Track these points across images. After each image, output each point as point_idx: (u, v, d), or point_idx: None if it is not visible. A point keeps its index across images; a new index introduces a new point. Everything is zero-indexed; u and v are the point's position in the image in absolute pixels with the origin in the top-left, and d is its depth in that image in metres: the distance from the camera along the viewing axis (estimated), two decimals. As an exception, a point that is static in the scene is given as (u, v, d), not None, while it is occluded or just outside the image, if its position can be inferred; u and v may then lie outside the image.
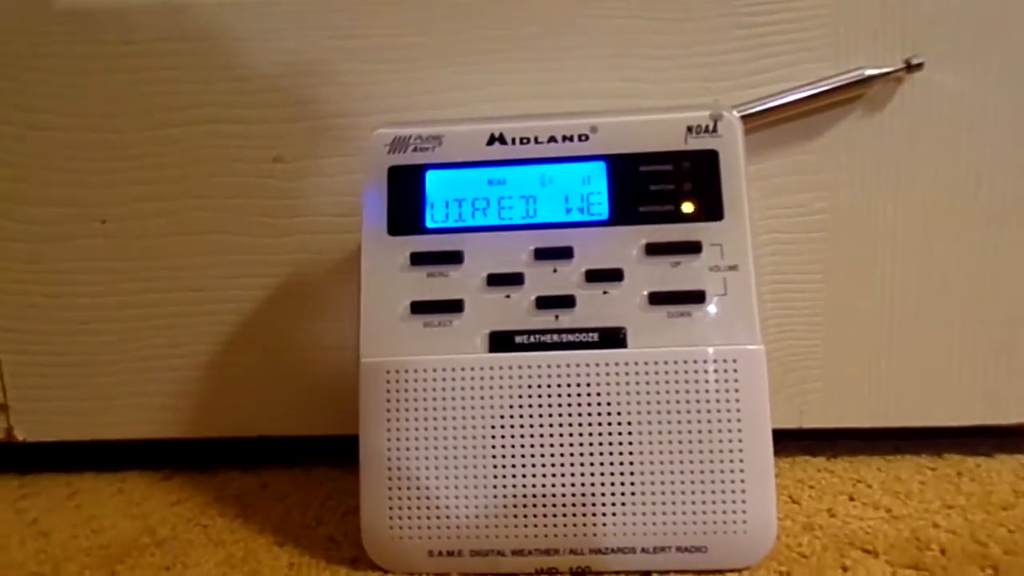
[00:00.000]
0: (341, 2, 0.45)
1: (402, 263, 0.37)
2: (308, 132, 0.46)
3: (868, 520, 0.39)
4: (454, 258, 0.37)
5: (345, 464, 0.49)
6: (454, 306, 0.36)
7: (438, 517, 0.35)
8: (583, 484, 0.35)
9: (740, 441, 0.34)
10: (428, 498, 0.35)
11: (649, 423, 0.35)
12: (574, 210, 0.37)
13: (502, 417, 0.35)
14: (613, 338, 0.35)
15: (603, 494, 0.35)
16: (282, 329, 0.48)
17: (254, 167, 0.47)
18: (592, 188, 0.37)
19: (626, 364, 0.35)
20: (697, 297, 0.35)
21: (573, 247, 0.37)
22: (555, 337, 0.36)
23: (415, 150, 0.38)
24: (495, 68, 0.45)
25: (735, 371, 0.35)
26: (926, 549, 0.36)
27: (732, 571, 0.35)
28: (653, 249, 0.36)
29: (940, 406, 0.46)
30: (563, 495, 0.35)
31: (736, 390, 0.35)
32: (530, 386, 0.35)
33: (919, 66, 0.43)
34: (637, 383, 0.35)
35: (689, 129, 0.37)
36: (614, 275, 0.36)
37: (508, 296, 0.37)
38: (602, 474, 0.35)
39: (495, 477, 0.35)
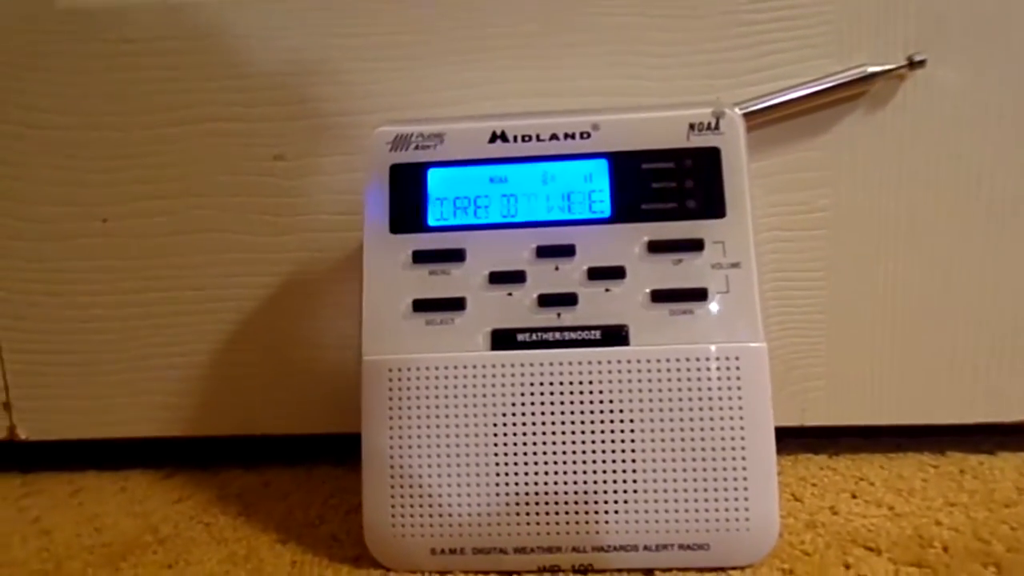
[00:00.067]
0: (342, 0, 0.45)
1: (404, 261, 0.37)
2: (309, 130, 0.46)
3: (871, 518, 0.39)
4: (456, 256, 0.37)
5: (347, 462, 0.49)
6: (456, 304, 0.36)
7: (440, 515, 0.35)
8: (585, 482, 0.35)
9: (742, 439, 0.34)
10: (430, 496, 0.35)
11: (651, 421, 0.35)
12: (576, 208, 0.37)
13: (504, 415, 0.35)
14: (615, 336, 0.35)
15: (605, 491, 0.35)
16: (283, 327, 0.48)
17: (255, 165, 0.47)
18: (594, 186, 0.37)
19: (628, 362, 0.35)
20: (699, 295, 0.35)
21: (575, 245, 0.37)
22: (557, 335, 0.36)
23: (417, 148, 0.38)
24: (496, 66, 0.45)
25: (737, 369, 0.35)
26: (928, 547, 0.36)
27: (734, 569, 0.35)
28: (655, 247, 0.36)
29: (942, 403, 0.46)
30: (565, 493, 0.35)
31: (738, 388, 0.35)
32: (532, 384, 0.35)
33: (921, 63, 0.43)
34: (639, 381, 0.35)
35: (691, 126, 0.37)
36: (616, 273, 0.36)
37: (510, 294, 0.36)
38: (604, 472, 0.35)
39: (497, 475, 0.35)
